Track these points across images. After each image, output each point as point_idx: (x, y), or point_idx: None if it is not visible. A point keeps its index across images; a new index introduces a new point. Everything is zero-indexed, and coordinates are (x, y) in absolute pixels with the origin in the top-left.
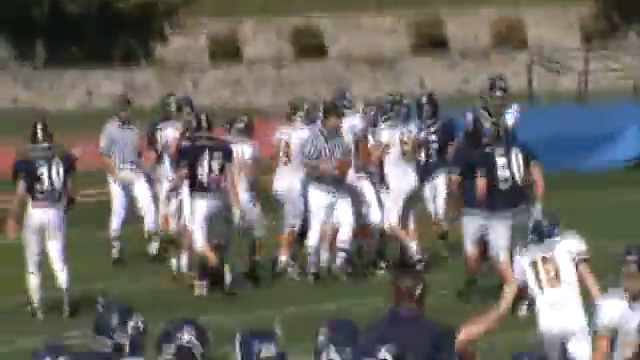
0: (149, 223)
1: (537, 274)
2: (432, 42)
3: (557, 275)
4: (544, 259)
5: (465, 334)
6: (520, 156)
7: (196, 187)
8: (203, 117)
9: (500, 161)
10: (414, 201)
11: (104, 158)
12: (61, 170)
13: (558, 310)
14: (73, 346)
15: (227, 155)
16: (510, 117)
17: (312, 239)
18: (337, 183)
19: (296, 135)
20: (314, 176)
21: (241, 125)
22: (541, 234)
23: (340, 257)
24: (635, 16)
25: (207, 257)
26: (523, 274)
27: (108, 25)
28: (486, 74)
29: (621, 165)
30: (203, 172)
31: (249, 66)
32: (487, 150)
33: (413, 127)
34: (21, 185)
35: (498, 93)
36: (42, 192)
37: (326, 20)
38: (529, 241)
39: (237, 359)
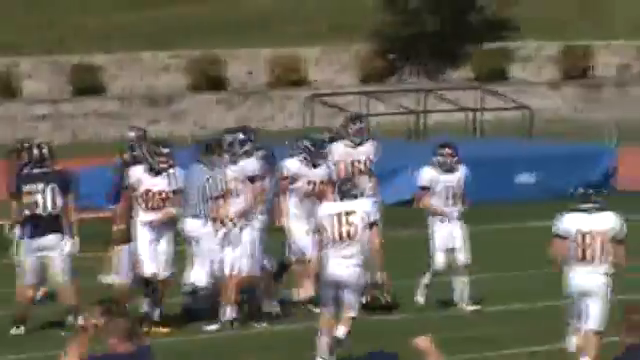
0: None
1: (337, 227)
2: (210, 80)
3: (352, 232)
4: (346, 213)
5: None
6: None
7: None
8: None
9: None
10: None
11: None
12: None
13: (344, 263)
14: None
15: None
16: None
17: None
18: None
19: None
20: None
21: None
22: (344, 194)
23: None
24: (412, 56)
25: None
26: (327, 219)
27: None
28: (265, 113)
29: (394, 204)
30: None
31: (27, 103)
32: None
33: None
34: None
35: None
36: None
37: (105, 58)
38: (337, 196)
39: None
